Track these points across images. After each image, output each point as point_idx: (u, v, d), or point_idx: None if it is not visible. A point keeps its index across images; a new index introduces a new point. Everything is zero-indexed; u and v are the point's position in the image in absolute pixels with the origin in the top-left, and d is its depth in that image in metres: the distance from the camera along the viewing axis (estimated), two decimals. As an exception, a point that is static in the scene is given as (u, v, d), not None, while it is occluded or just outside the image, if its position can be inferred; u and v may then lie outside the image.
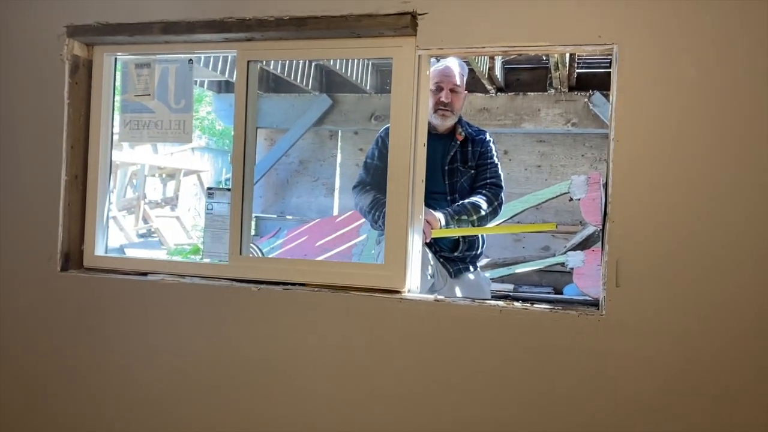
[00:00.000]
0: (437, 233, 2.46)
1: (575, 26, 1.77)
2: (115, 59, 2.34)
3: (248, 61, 2.14)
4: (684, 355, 1.68)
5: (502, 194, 2.64)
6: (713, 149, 1.67)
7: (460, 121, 2.64)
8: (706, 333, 1.67)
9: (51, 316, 2.26)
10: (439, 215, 2.45)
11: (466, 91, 2.64)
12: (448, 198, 2.59)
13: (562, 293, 5.96)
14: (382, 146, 2.55)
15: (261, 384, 2.04)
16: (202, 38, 2.14)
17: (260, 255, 5.13)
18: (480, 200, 2.56)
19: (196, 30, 2.10)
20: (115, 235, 8.41)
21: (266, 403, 2.03)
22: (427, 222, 2.36)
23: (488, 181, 2.62)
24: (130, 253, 7.65)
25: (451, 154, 2.60)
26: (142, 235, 9.19)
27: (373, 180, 2.60)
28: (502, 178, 2.66)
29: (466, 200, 2.56)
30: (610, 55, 1.80)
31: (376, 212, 2.52)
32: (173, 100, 2.29)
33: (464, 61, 2.78)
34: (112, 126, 2.37)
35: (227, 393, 2.06)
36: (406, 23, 1.89)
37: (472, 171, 2.62)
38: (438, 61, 2.56)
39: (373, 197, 2.55)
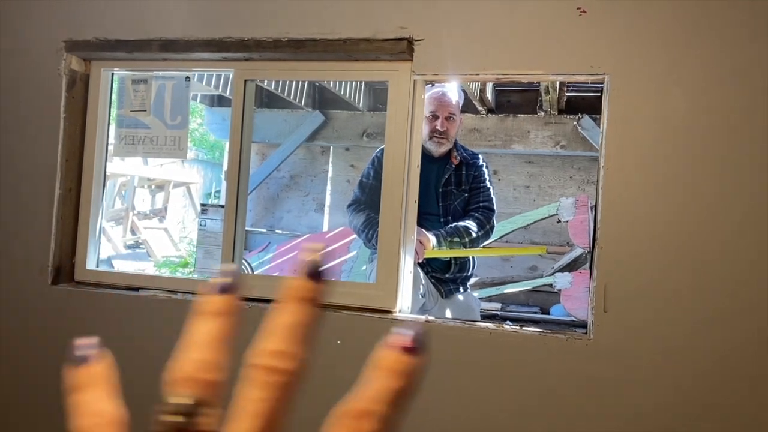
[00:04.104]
0: (429, 254, 2.48)
1: (568, 56, 1.82)
2: (112, 74, 2.36)
3: (245, 80, 2.17)
4: (671, 380, 1.70)
5: (494, 218, 2.68)
6: (701, 177, 1.71)
7: (455, 144, 2.68)
8: (693, 359, 1.69)
9: (41, 328, 2.25)
10: (432, 236, 2.48)
11: (462, 116, 2.68)
12: (442, 220, 2.62)
13: (548, 313, 5.99)
14: (378, 166, 2.57)
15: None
16: (201, 57, 2.16)
17: (249, 269, 5.13)
18: (472, 223, 2.59)
19: (195, 48, 2.12)
20: (103, 246, 8.33)
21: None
22: (420, 242, 2.38)
23: (481, 204, 2.65)
24: (118, 264, 7.60)
25: (446, 176, 2.63)
26: (129, 246, 9.14)
27: (368, 199, 2.62)
28: (494, 201, 2.70)
29: (459, 223, 2.59)
30: (602, 82, 1.84)
31: (369, 231, 2.54)
32: (169, 117, 2.30)
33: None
34: (108, 140, 2.38)
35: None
36: (403, 49, 1.92)
37: (466, 194, 2.66)
38: (433, 86, 2.60)
39: (367, 216, 2.58)
